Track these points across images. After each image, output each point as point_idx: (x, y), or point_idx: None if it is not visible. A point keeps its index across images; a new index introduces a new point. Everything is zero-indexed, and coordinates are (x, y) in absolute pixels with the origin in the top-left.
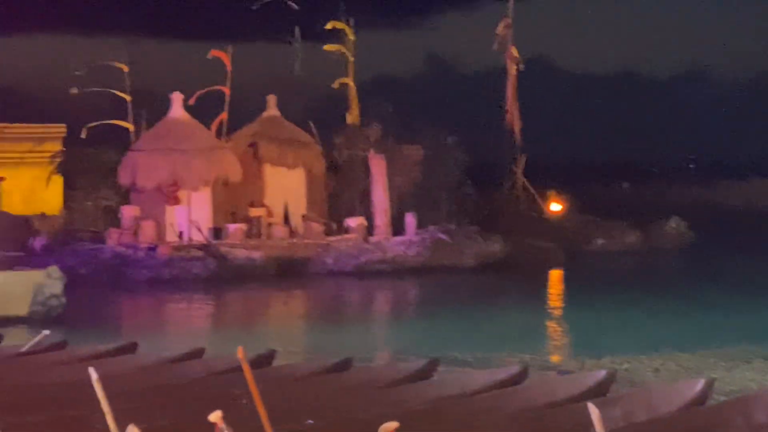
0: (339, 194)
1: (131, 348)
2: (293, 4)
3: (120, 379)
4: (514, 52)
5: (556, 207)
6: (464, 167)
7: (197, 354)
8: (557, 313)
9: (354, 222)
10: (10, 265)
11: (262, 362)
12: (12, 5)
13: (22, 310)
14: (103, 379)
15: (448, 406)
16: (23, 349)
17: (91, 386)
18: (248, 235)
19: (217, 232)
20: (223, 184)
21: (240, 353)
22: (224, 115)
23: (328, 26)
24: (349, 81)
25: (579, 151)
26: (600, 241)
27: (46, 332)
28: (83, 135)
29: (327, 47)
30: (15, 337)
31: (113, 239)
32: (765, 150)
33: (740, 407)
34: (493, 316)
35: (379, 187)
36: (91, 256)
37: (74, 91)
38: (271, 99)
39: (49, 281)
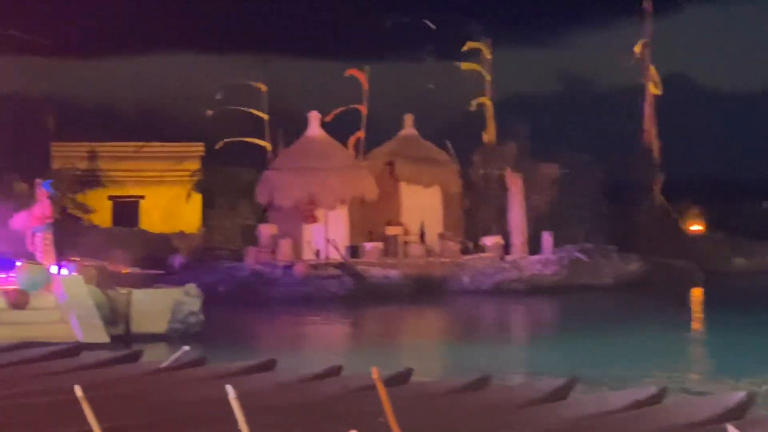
0: (475, 213)
1: (269, 365)
2: (430, 24)
3: (258, 396)
4: (653, 72)
5: (696, 227)
6: (601, 186)
7: (334, 371)
8: (695, 333)
9: (490, 241)
10: (149, 283)
11: (398, 380)
12: (151, 25)
13: (161, 327)
14: (241, 395)
15: (586, 427)
16: (163, 365)
17: (229, 403)
18: (385, 253)
19: (354, 250)
20: (359, 202)
21: (375, 374)
22: (361, 134)
23: (465, 48)
24: (486, 100)
25: (718, 169)
26: (740, 261)
27: (186, 348)
28: (218, 146)
29: (464, 66)
30: (154, 354)
31: (251, 257)
32: None
33: None
34: (630, 335)
35: (515, 205)
36: (228, 274)
37: (210, 112)
38: (408, 118)
39: (187, 299)
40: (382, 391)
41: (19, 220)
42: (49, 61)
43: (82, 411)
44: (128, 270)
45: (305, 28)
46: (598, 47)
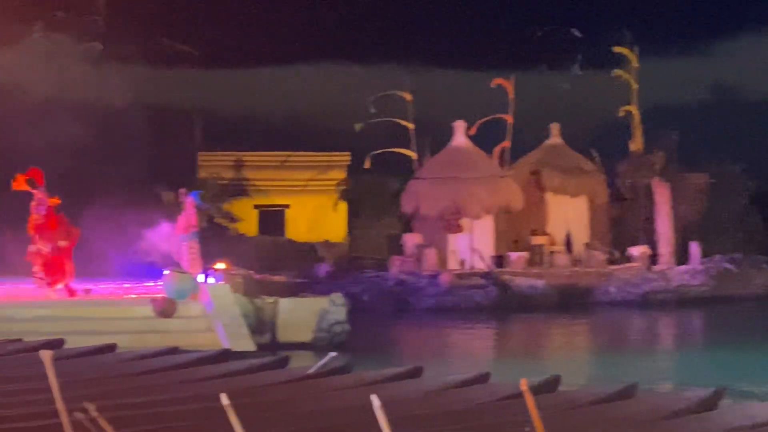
0: (622, 222)
1: (416, 372)
2: (576, 32)
3: (404, 404)
4: None
5: None
6: (752, 195)
7: (482, 379)
8: None
9: (637, 251)
10: (295, 291)
11: (546, 388)
12: (297, 36)
13: (307, 336)
14: (387, 403)
15: None
16: (310, 371)
17: (375, 411)
18: (530, 263)
19: (499, 260)
20: (505, 212)
21: (523, 385)
22: (507, 143)
23: (613, 51)
24: (633, 108)
25: None
26: None
27: (334, 354)
28: (366, 165)
29: (616, 73)
30: (300, 363)
31: (396, 267)
32: None
33: None
34: None
35: (663, 215)
36: (374, 284)
37: (359, 126)
38: (554, 127)
39: (333, 308)
40: (530, 402)
41: (166, 230)
42: (197, 72)
43: (227, 418)
44: (274, 279)
45: (451, 38)
46: (748, 55)
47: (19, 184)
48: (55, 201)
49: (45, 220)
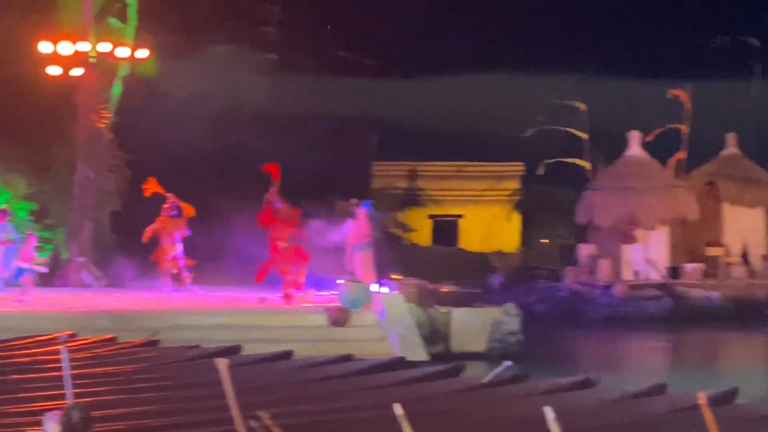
0: None
1: (590, 382)
2: (754, 41)
3: (578, 414)
4: None
5: None
6: None
7: (658, 391)
8: None
9: None
10: (468, 301)
11: (723, 400)
12: (471, 45)
13: (480, 346)
14: (561, 413)
15: None
16: (484, 380)
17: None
18: (705, 275)
19: (674, 271)
20: (680, 223)
21: (701, 399)
22: (682, 154)
23: None
24: None
25: None
26: None
27: (509, 363)
28: (540, 171)
29: None
30: (473, 372)
31: (569, 277)
32: None
33: None
34: None
35: None
36: (547, 294)
37: (529, 132)
38: (731, 137)
39: (506, 318)
40: (708, 415)
41: (340, 235)
42: (372, 82)
43: (401, 426)
44: (448, 289)
45: (626, 47)
46: None
47: (152, 187)
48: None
49: (278, 219)
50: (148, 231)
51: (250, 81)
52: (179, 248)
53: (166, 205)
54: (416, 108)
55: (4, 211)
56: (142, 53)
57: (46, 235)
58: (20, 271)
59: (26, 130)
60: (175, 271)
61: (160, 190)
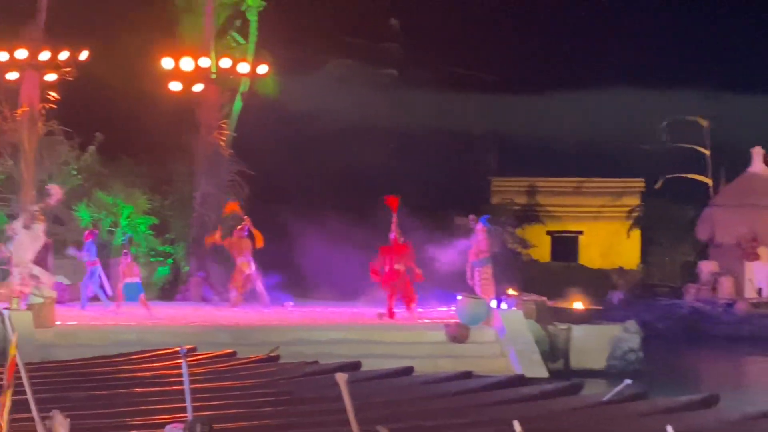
0: None
1: (712, 401)
2: None
3: None
4: None
5: None
6: None
7: None
8: None
9: None
10: (588, 318)
11: None
12: (592, 61)
13: (600, 363)
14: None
15: None
16: (605, 398)
17: None
18: None
19: None
20: None
21: None
22: None
23: None
24: None
25: None
26: None
27: (628, 381)
28: (658, 185)
29: None
30: (592, 389)
31: (690, 294)
32: None
33: None
34: None
35: None
36: (668, 311)
37: (650, 148)
38: None
39: (626, 335)
40: None
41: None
42: (491, 97)
43: None
44: (567, 305)
45: (748, 63)
46: None
47: (231, 208)
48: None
49: (393, 244)
50: (209, 240)
51: (370, 97)
52: (253, 267)
53: (239, 228)
54: (536, 124)
55: (92, 232)
56: (263, 69)
57: (167, 249)
58: (130, 288)
59: (148, 145)
60: (251, 287)
61: (239, 211)
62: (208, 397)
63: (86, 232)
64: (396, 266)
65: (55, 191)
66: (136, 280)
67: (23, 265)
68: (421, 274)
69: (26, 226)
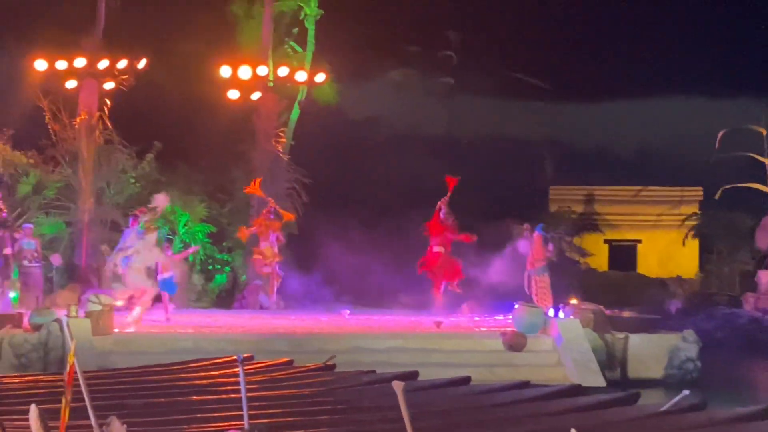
0: None
1: None
2: None
3: None
4: None
5: None
6: None
7: None
8: None
9: None
10: (645, 327)
11: None
12: (648, 69)
13: (658, 373)
14: None
15: None
16: (662, 408)
17: None
18: None
19: None
20: None
21: None
22: None
23: None
24: None
25: None
26: None
27: (686, 392)
28: (717, 196)
29: None
30: (650, 399)
31: (749, 304)
32: None
33: None
34: None
35: None
36: (727, 321)
37: (709, 157)
38: None
39: (684, 345)
40: None
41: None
42: (549, 105)
43: None
44: (624, 314)
45: None
46: None
47: (253, 189)
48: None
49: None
50: (246, 231)
51: (426, 105)
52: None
53: (266, 210)
54: (594, 131)
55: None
56: (320, 77)
57: (224, 257)
58: (165, 284)
59: (206, 153)
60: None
61: (260, 193)
62: (265, 405)
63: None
64: (435, 248)
65: (161, 200)
66: (171, 274)
67: (138, 275)
68: (469, 235)
69: (145, 236)
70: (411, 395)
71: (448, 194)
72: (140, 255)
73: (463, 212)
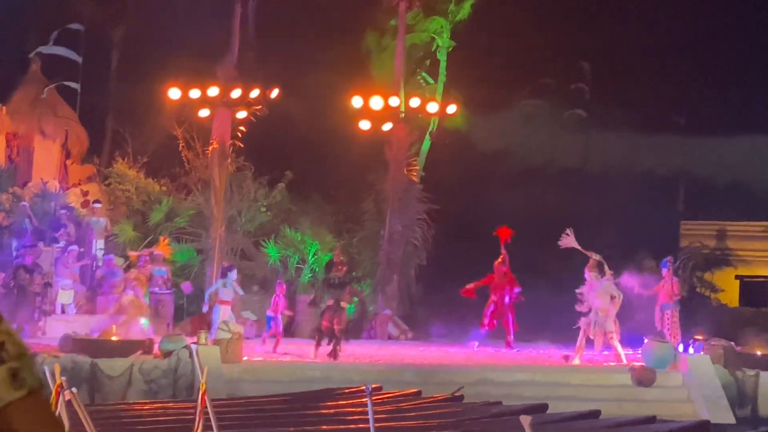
0: None
1: None
2: None
3: None
4: None
5: None
6: None
7: None
8: None
9: None
10: None
11: None
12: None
13: None
14: None
15: None
16: None
17: None
18: None
19: None
20: None
21: None
22: None
23: None
24: None
25: None
26: None
27: None
28: None
29: None
30: None
31: None
32: None
33: None
34: None
35: None
36: None
37: None
38: None
39: None
40: None
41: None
42: (681, 139)
43: None
44: (757, 351)
45: None
46: None
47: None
48: None
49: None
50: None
51: (558, 137)
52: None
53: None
54: (726, 166)
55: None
56: (451, 109)
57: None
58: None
59: (337, 183)
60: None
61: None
62: None
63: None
64: (494, 297)
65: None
66: (277, 313)
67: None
68: (518, 294)
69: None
70: (540, 428)
71: (502, 248)
72: None
73: (594, 246)
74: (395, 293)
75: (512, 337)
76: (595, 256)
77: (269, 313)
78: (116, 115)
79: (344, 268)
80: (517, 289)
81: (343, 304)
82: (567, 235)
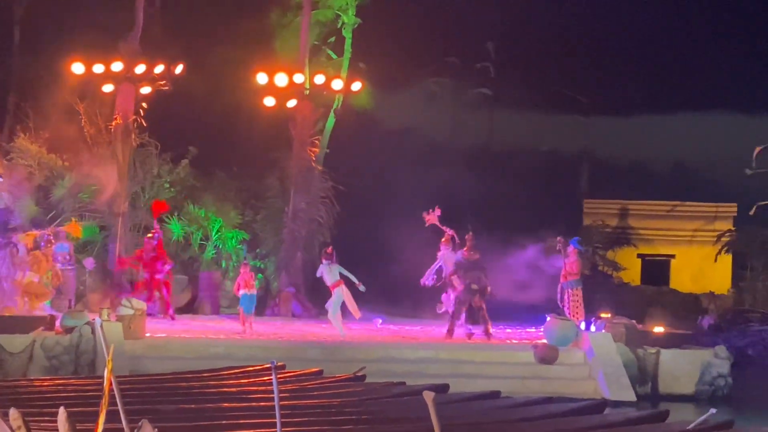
0: None
1: None
2: None
3: None
4: None
5: None
6: None
7: None
8: None
9: None
10: (677, 343)
11: None
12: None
13: (689, 388)
14: None
15: None
16: (690, 427)
17: None
18: None
19: None
20: None
21: None
22: None
23: None
24: None
25: None
26: None
27: (713, 411)
28: (751, 213)
29: None
30: (680, 416)
31: None
32: None
33: None
34: None
35: None
36: (760, 338)
37: (749, 172)
38: None
39: (716, 361)
40: None
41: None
42: (584, 119)
43: None
44: (656, 329)
45: None
46: None
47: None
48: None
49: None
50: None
51: (462, 115)
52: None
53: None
54: (628, 146)
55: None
56: (356, 86)
57: (257, 264)
58: (247, 300)
59: (241, 160)
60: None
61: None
62: (294, 414)
63: None
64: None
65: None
66: (253, 291)
67: None
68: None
69: None
70: (440, 408)
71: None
72: None
73: (497, 224)
74: (299, 270)
75: (172, 310)
76: (449, 231)
77: (240, 292)
78: (18, 89)
79: (477, 254)
80: (168, 266)
81: (474, 286)
82: (431, 211)
